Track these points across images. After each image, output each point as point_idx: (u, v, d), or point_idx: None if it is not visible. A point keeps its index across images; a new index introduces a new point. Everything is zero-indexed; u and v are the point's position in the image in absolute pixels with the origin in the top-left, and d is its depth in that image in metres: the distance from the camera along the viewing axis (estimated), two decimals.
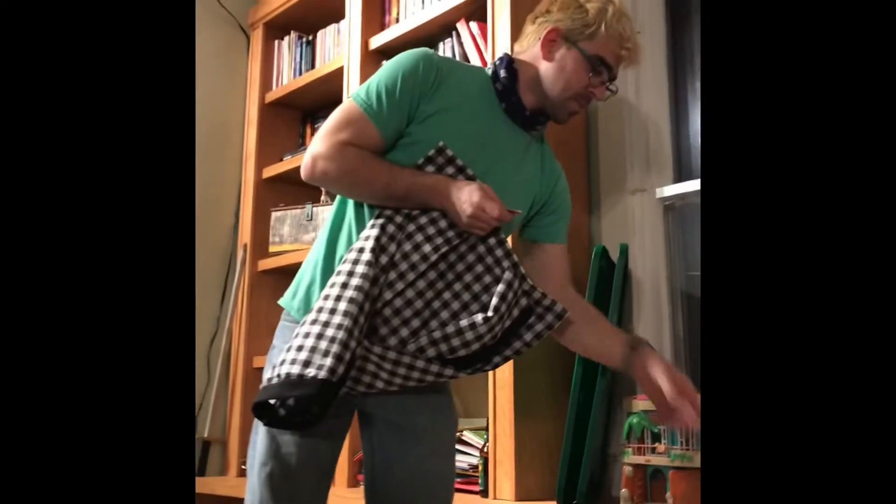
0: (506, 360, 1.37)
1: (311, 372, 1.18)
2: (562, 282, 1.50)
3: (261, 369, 2.58)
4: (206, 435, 2.66)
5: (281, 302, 1.45)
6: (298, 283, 1.43)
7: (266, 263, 2.67)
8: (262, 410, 1.25)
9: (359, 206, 1.39)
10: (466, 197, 1.30)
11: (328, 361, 1.18)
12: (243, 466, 2.53)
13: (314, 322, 1.24)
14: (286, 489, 1.33)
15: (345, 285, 1.25)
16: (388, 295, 1.29)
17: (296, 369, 1.19)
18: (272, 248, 2.66)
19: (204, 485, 2.54)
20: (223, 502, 2.47)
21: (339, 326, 1.21)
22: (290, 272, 2.59)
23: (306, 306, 1.38)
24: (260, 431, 1.35)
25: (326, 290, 1.27)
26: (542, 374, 1.87)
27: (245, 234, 2.77)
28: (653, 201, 2.02)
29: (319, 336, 1.21)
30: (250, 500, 1.35)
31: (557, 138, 1.67)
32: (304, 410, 1.26)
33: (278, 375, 1.21)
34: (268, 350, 1.46)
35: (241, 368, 2.64)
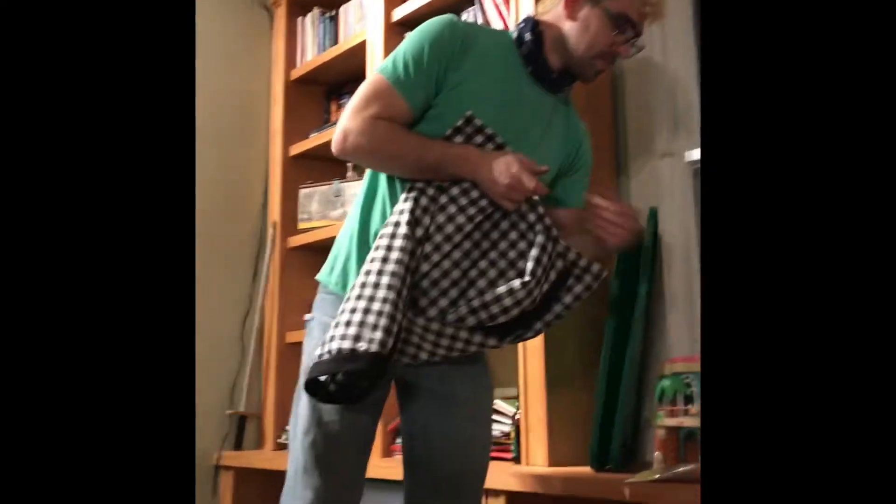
0: (547, 325, 1.38)
1: (362, 346, 1.20)
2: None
3: (294, 344, 2.61)
4: (241, 410, 2.69)
5: (319, 277, 1.46)
6: (335, 258, 1.44)
7: (296, 240, 2.69)
8: (313, 386, 1.27)
9: (391, 180, 1.39)
10: (504, 168, 1.30)
11: (378, 335, 1.20)
12: (279, 440, 2.57)
13: (359, 297, 1.25)
14: (328, 456, 1.35)
15: (385, 259, 1.26)
16: (424, 267, 1.30)
17: (347, 344, 1.21)
18: (301, 225, 2.68)
19: (241, 458, 2.58)
20: (260, 475, 2.50)
21: (385, 300, 1.22)
22: (319, 248, 2.60)
23: (344, 280, 1.39)
24: (302, 401, 1.36)
25: (366, 266, 1.28)
26: (572, 339, 1.86)
27: (274, 212, 2.79)
28: (682, 165, 2.00)
29: (366, 311, 1.22)
30: (293, 467, 1.37)
31: (583, 101, 1.66)
32: (353, 385, 1.28)
33: (329, 352, 1.22)
34: (300, 325, 1.48)
35: (274, 344, 2.67)
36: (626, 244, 1.40)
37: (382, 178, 1.41)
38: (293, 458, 1.37)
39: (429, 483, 1.42)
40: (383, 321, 1.21)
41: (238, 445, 2.67)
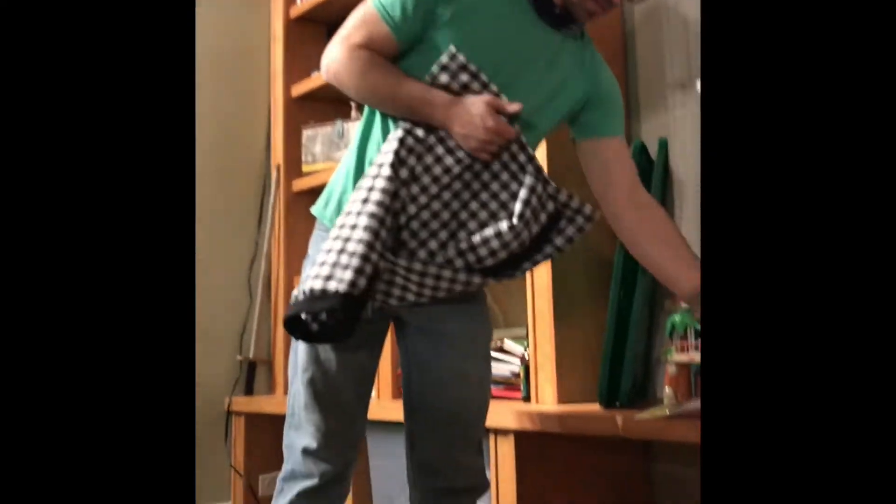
0: (535, 264, 1.36)
1: (332, 286, 1.19)
2: (630, 184, 1.45)
3: None
4: (251, 356, 2.69)
5: (314, 210, 1.44)
6: (330, 192, 1.42)
7: (300, 184, 2.65)
8: (294, 326, 1.26)
9: (385, 116, 1.36)
10: (479, 121, 1.26)
11: (348, 275, 1.19)
12: None
13: (336, 238, 1.24)
14: (327, 393, 1.35)
15: (365, 200, 1.24)
16: (412, 209, 1.28)
17: (318, 284, 1.20)
18: (305, 168, 2.63)
19: (252, 404, 2.59)
20: (271, 420, 2.51)
21: (360, 241, 1.21)
22: None
23: (339, 215, 1.37)
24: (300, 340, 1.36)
25: (348, 207, 1.27)
26: (580, 276, 1.83)
27: (277, 155, 2.74)
28: (693, 96, 1.94)
29: (341, 251, 1.21)
30: (295, 404, 1.39)
31: (593, 34, 1.58)
32: (331, 324, 1.27)
33: (303, 291, 1.22)
34: None
35: (281, 289, 2.66)
36: None
37: (378, 113, 1.38)
38: (294, 393, 1.38)
39: (424, 423, 1.42)
40: (355, 261, 1.20)
41: (249, 391, 2.68)
